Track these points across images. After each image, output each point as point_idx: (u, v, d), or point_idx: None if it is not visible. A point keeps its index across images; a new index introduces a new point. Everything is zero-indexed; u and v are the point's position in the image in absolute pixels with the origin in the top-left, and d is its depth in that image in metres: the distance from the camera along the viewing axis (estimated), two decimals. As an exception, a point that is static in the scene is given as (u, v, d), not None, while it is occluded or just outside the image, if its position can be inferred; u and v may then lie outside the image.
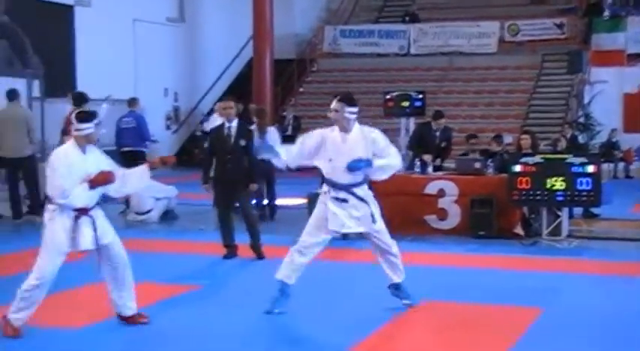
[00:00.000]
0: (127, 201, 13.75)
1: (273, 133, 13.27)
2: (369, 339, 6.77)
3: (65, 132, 12.34)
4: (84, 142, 6.72)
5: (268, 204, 13.75)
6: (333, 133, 7.41)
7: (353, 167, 7.21)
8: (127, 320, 7.01)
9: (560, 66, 25.47)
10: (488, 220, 11.60)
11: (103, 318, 7.16)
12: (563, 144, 17.24)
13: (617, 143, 23.16)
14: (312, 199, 9.52)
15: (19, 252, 10.07)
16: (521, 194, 11.30)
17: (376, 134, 7.48)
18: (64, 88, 19.37)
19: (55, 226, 6.64)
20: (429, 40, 27.71)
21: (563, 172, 11.11)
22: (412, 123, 15.72)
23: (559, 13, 27.47)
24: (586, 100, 24.66)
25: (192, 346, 6.55)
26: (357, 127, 7.42)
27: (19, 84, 18.24)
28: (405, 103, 15.65)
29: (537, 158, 11.35)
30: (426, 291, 8.15)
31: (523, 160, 11.40)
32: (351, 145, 7.30)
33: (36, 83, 20.72)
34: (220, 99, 15.54)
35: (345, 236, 8.79)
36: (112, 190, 6.93)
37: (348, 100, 7.44)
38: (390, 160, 7.43)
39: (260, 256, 10.16)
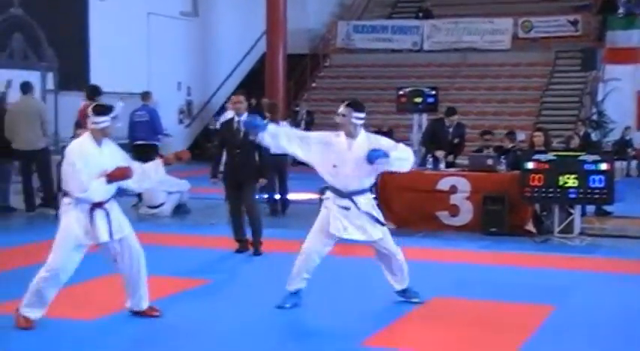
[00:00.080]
0: (139, 194, 13.80)
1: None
2: (379, 334, 6.78)
3: (79, 125, 12.39)
4: (100, 135, 6.75)
5: (280, 198, 13.77)
6: (339, 138, 7.38)
7: (372, 157, 7.17)
8: (140, 314, 7.05)
9: (574, 63, 25.39)
10: (500, 217, 11.59)
11: (115, 310, 7.19)
12: (576, 141, 17.11)
13: (630, 141, 23.07)
14: (324, 195, 9.51)
15: (32, 244, 10.12)
16: (534, 191, 11.28)
17: (381, 138, 7.49)
18: (78, 81, 19.48)
19: (69, 219, 6.66)
20: (443, 36, 27.65)
21: (576, 170, 11.08)
22: (425, 119, 15.71)
23: (573, 10, 27.36)
24: (599, 98, 24.58)
25: (203, 339, 6.56)
26: (362, 134, 7.40)
27: (34, 76, 18.38)
28: (418, 99, 15.65)
29: (550, 155, 11.32)
30: (437, 287, 8.16)
31: (536, 157, 11.37)
32: (357, 151, 7.26)
33: (50, 76, 20.88)
34: (233, 93, 15.58)
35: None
36: (130, 184, 6.95)
37: (356, 105, 7.42)
38: (402, 153, 7.40)
39: (257, 252, 10.11)
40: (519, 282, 8.75)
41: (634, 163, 22.83)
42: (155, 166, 7.15)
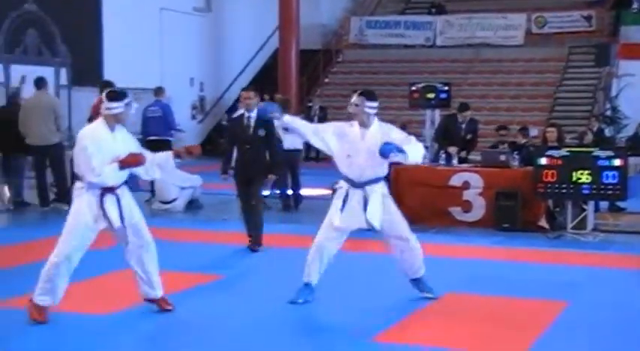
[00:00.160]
0: (152, 189, 13.84)
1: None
2: (391, 329, 6.78)
3: (92, 120, 12.40)
4: (113, 121, 6.74)
5: (293, 194, 13.78)
6: (352, 128, 7.40)
7: (385, 150, 7.15)
8: (153, 302, 7.06)
9: (588, 59, 25.27)
10: (512, 213, 11.57)
11: (128, 305, 7.22)
12: (589, 137, 17.10)
13: (644, 137, 22.93)
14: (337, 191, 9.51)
15: (46, 239, 10.13)
16: (547, 187, 11.25)
17: (394, 128, 7.50)
18: (91, 77, 19.54)
19: (81, 203, 6.66)
20: (455, 32, 27.58)
21: (590, 166, 11.04)
22: (437, 115, 15.68)
23: (586, 6, 27.23)
24: (613, 93, 24.47)
25: (216, 335, 6.58)
26: (376, 123, 7.40)
27: (47, 72, 18.45)
28: (431, 95, 15.60)
29: (563, 151, 11.28)
30: (450, 283, 8.15)
31: (549, 153, 11.34)
32: (370, 141, 7.27)
33: (63, 71, 20.96)
34: (244, 89, 15.59)
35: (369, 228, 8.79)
36: (142, 171, 6.96)
37: (369, 94, 7.43)
38: (414, 146, 7.38)
39: (253, 248, 10.07)
40: (532, 278, 8.72)
41: (647, 159, 22.71)
42: (165, 157, 7.18)
